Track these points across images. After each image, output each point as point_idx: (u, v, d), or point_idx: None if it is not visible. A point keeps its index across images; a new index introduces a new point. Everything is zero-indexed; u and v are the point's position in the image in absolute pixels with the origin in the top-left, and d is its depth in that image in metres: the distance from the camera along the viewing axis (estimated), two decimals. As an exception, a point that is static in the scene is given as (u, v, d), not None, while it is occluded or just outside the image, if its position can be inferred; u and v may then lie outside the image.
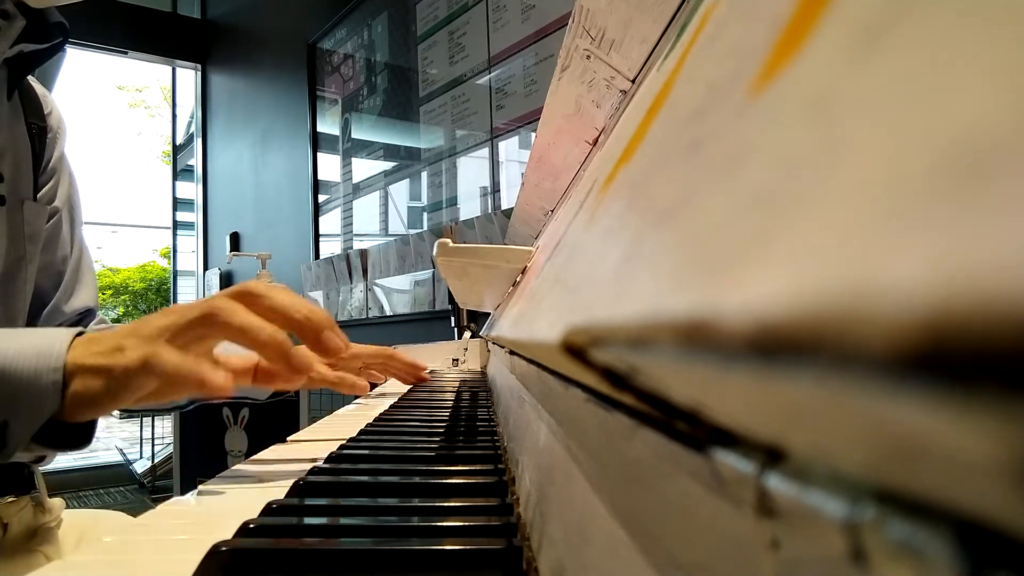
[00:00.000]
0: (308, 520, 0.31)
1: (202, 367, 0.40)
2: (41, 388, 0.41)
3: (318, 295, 2.72)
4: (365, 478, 0.39)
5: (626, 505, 0.14)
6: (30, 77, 0.71)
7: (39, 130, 0.72)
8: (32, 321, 0.77)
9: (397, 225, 2.33)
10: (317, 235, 2.83)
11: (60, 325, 0.80)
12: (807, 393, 0.06)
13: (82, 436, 0.44)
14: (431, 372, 1.27)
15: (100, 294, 0.85)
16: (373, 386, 1.03)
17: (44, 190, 0.75)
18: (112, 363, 0.41)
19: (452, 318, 1.69)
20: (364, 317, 2.39)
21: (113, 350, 0.41)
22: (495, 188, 1.78)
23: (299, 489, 0.36)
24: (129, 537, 0.31)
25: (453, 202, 1.98)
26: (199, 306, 0.43)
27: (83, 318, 0.82)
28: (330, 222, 2.79)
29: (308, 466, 0.43)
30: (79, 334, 0.44)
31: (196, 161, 4.20)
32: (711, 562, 0.09)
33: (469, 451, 0.48)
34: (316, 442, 0.59)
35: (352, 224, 2.59)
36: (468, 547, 0.26)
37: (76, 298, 0.80)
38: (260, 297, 0.44)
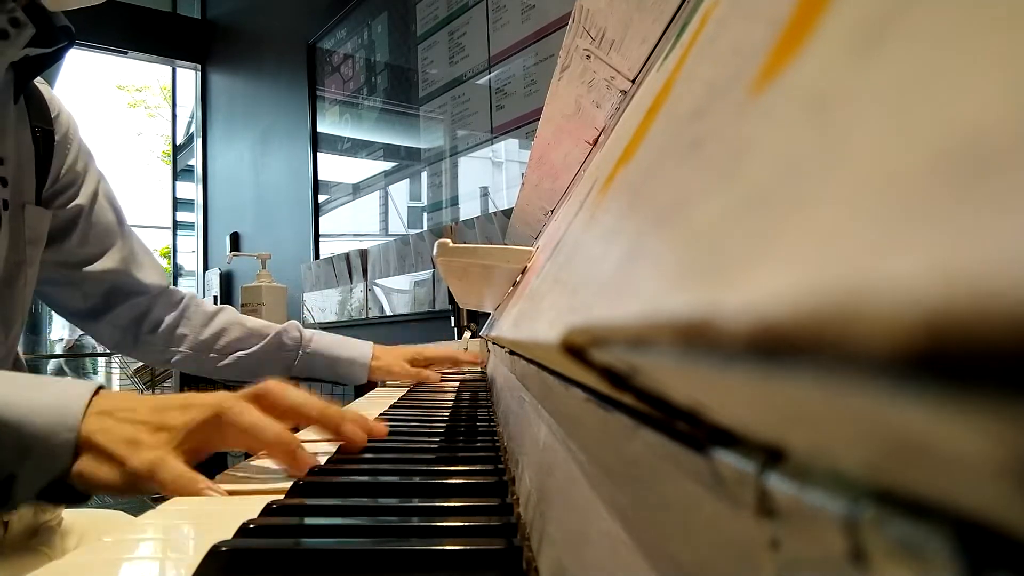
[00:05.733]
0: (308, 520, 0.31)
1: (198, 486, 0.40)
2: (54, 446, 0.41)
3: (318, 294, 2.72)
4: (365, 478, 0.39)
5: (626, 505, 0.14)
6: (37, 79, 0.71)
7: (44, 133, 0.73)
8: (112, 308, 0.85)
9: (397, 225, 2.33)
10: (317, 235, 2.83)
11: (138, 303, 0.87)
12: (807, 393, 0.06)
13: (81, 495, 0.44)
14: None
15: None
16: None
17: (67, 193, 0.77)
18: (124, 456, 0.41)
19: (452, 318, 1.69)
20: (364, 317, 2.38)
21: (129, 442, 0.42)
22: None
23: (299, 489, 0.36)
24: (129, 537, 0.31)
25: (453, 202, 1.98)
26: (209, 406, 0.44)
27: (161, 294, 0.89)
28: (330, 222, 2.79)
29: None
30: (97, 391, 0.44)
31: (196, 161, 4.19)
32: (711, 562, 0.09)
33: (469, 451, 0.48)
34: (316, 442, 0.59)
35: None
36: (468, 547, 0.26)
37: (145, 275, 0.86)
38: (273, 397, 0.46)
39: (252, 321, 0.95)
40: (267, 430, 0.43)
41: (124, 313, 0.86)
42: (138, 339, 0.89)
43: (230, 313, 0.95)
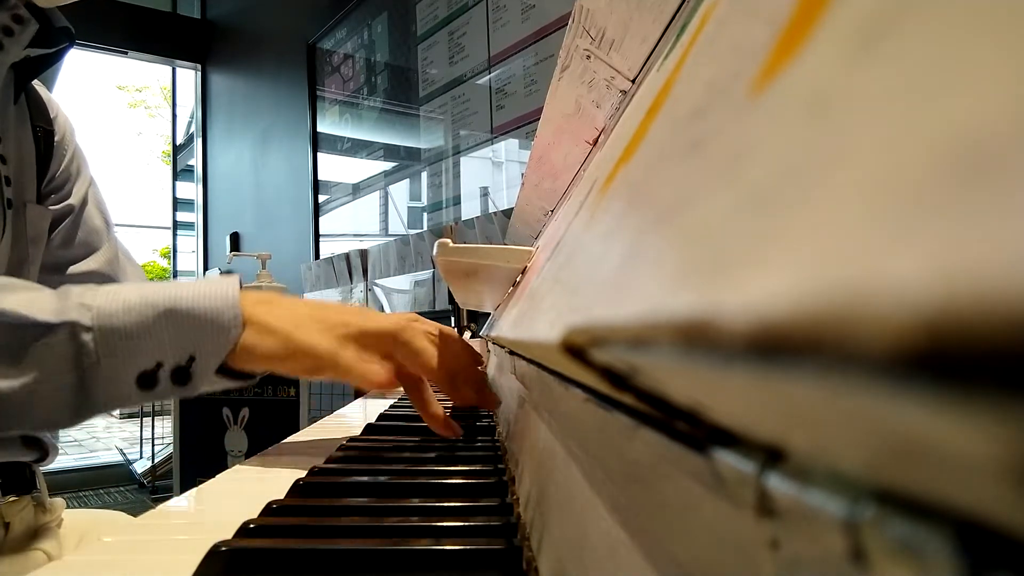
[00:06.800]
0: (308, 520, 0.31)
1: (371, 366, 0.47)
2: (224, 322, 0.45)
3: (318, 295, 2.72)
4: (365, 478, 0.39)
5: (626, 505, 0.14)
6: (35, 81, 0.71)
7: (45, 133, 0.73)
8: None
9: (397, 225, 2.33)
10: (317, 235, 2.83)
11: None
12: (807, 393, 0.06)
13: (249, 375, 0.48)
14: None
15: None
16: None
17: (59, 193, 0.76)
18: (288, 332, 0.46)
19: (452, 318, 1.68)
20: (364, 317, 2.38)
21: (292, 322, 0.47)
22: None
23: (299, 489, 0.36)
24: (129, 537, 0.31)
25: (453, 202, 1.98)
26: (389, 319, 0.50)
27: None
28: (330, 222, 2.79)
29: (308, 466, 0.43)
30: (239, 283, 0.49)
31: (196, 161, 4.19)
32: (711, 562, 0.09)
33: (469, 451, 0.48)
34: (316, 442, 0.59)
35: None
36: (468, 547, 0.26)
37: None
38: (436, 335, 0.52)
39: None
40: (435, 359, 0.49)
41: None
42: None
43: None
